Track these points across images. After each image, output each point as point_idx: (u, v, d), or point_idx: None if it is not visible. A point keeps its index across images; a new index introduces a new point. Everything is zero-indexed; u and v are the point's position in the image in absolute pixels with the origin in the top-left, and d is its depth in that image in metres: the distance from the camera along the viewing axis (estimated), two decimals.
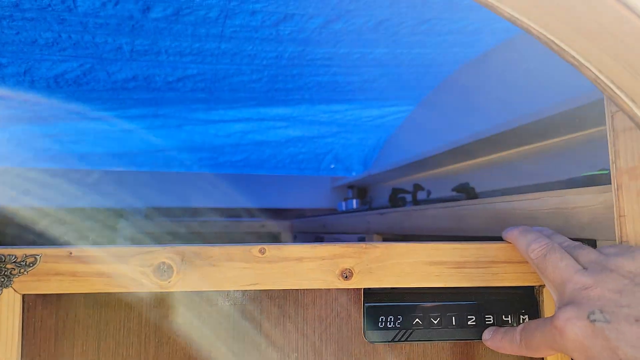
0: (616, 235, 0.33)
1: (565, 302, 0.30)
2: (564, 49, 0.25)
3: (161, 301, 0.35)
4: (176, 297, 0.36)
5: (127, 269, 0.34)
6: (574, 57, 0.25)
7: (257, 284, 0.35)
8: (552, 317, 0.30)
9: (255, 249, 0.35)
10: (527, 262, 0.37)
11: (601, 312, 0.27)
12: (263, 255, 0.35)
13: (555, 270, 0.31)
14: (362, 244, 0.36)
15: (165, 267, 0.34)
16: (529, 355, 0.33)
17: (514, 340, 0.33)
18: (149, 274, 0.34)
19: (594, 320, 0.27)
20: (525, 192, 0.46)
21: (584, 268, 0.31)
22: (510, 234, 0.36)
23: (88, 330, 0.35)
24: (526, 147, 0.90)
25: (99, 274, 0.34)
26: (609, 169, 0.38)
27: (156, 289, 0.34)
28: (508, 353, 0.35)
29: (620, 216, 0.33)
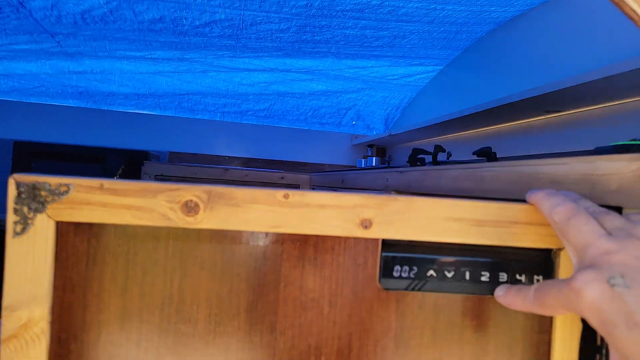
0: None
1: (585, 266, 0.30)
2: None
3: (187, 237, 0.37)
4: (201, 234, 0.37)
5: (156, 204, 0.35)
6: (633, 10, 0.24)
7: (279, 227, 0.36)
8: (570, 278, 0.30)
9: (279, 193, 0.36)
10: (547, 224, 0.37)
11: (622, 277, 0.28)
12: (287, 200, 0.36)
13: (579, 233, 0.31)
14: (384, 196, 0.37)
15: (192, 205, 0.36)
16: (539, 313, 0.33)
17: (527, 298, 0.33)
18: (177, 210, 0.36)
19: (614, 285, 0.28)
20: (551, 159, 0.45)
21: (609, 234, 0.31)
22: (535, 196, 0.36)
23: (117, 259, 0.36)
24: (552, 116, 0.88)
25: (128, 207, 0.35)
26: None
27: (183, 225, 0.36)
28: (519, 310, 0.36)
29: None
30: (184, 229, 0.37)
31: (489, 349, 0.38)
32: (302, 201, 0.36)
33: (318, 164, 2.15)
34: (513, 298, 0.35)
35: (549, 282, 0.32)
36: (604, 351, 0.37)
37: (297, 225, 0.36)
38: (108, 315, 0.36)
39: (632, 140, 0.42)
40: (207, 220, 0.36)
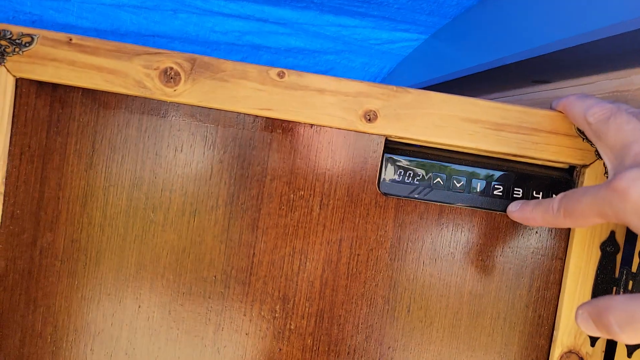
0: None
1: (629, 165, 0.26)
2: None
3: (164, 112, 0.32)
4: (181, 110, 0.32)
5: (131, 68, 0.31)
6: None
7: (270, 109, 0.31)
8: (608, 181, 0.26)
9: (273, 70, 0.31)
10: (573, 136, 0.32)
11: None
12: (281, 80, 0.31)
13: (619, 132, 0.27)
14: (393, 87, 0.32)
15: (172, 73, 0.31)
16: (563, 225, 0.29)
17: (549, 210, 0.29)
18: (154, 77, 0.31)
19: None
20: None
21: None
22: (566, 100, 0.32)
23: (83, 129, 0.32)
24: (542, 90, 0.83)
25: (99, 68, 0.31)
26: None
27: (160, 96, 0.31)
28: (537, 225, 0.31)
29: None
30: (161, 103, 0.32)
31: (494, 272, 0.34)
32: (299, 82, 0.31)
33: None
34: (532, 212, 0.31)
35: (579, 189, 0.28)
36: (622, 283, 0.33)
37: (290, 111, 0.32)
38: (69, 193, 0.32)
39: None
40: (187, 93, 0.31)
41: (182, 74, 0.31)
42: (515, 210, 0.32)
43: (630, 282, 0.33)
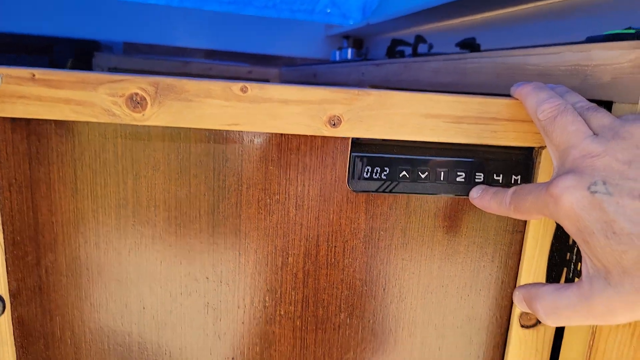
0: None
1: (566, 169, 0.28)
2: None
3: (137, 135, 0.34)
4: (152, 131, 0.34)
5: (97, 97, 0.32)
6: None
7: (237, 124, 0.33)
8: (548, 183, 0.28)
9: (236, 86, 0.32)
10: (530, 121, 0.34)
11: (604, 183, 0.25)
12: (245, 94, 0.32)
13: (563, 133, 0.28)
14: (354, 90, 0.33)
15: (138, 99, 0.32)
16: (516, 217, 0.32)
17: (502, 203, 0.32)
18: (121, 104, 0.32)
19: (595, 192, 0.25)
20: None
21: (595, 134, 0.28)
22: (521, 90, 0.33)
23: (63, 158, 0.33)
24: (541, 3, 0.80)
25: (66, 101, 0.31)
26: (636, 28, 0.33)
27: (130, 121, 0.32)
28: (494, 213, 0.34)
29: None
30: (133, 126, 0.33)
31: (460, 249, 0.37)
32: (262, 95, 0.32)
33: (289, 57, 1.97)
34: (489, 202, 0.33)
35: (527, 186, 0.30)
36: (575, 257, 0.37)
37: (257, 123, 0.33)
38: (61, 217, 0.34)
39: (627, 29, 0.37)
40: (156, 116, 0.32)
41: (148, 98, 0.32)
42: (476, 197, 0.34)
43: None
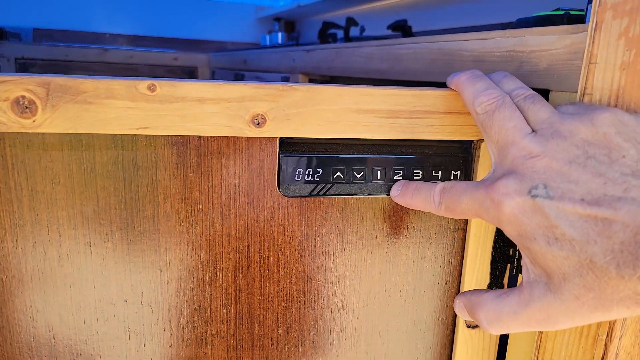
0: (580, 86, 0.28)
1: (506, 170, 0.26)
2: None
3: (30, 144, 0.29)
4: (47, 139, 0.29)
5: None
6: None
7: (147, 127, 0.29)
8: (487, 185, 0.26)
9: (142, 84, 0.28)
10: (467, 113, 0.32)
11: (545, 187, 0.24)
12: (153, 94, 0.28)
13: (501, 130, 0.27)
14: (279, 85, 0.30)
15: (26, 102, 0.27)
16: (446, 217, 0.30)
17: (430, 201, 0.30)
18: (6, 110, 0.27)
19: (535, 196, 0.24)
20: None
21: (533, 130, 0.26)
22: (457, 80, 0.31)
23: None
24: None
25: None
26: (566, 9, 0.32)
27: (19, 129, 0.28)
28: (421, 210, 0.32)
29: (590, 63, 0.27)
30: (24, 134, 0.29)
31: (402, 250, 0.35)
32: (174, 94, 0.29)
33: (218, 41, 1.88)
34: (412, 199, 0.31)
35: (459, 184, 0.28)
36: (521, 260, 0.35)
37: (170, 126, 0.29)
38: None
39: (555, 10, 0.36)
40: (49, 122, 0.28)
41: (38, 102, 0.27)
42: (397, 195, 0.32)
43: None
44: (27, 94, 0.27)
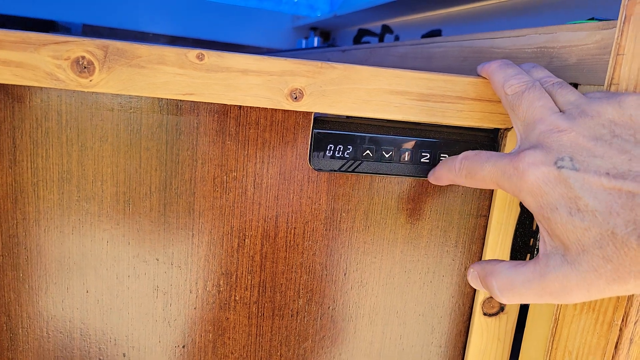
0: (607, 76, 0.29)
1: (532, 143, 0.27)
2: None
3: (84, 102, 0.31)
4: (101, 99, 0.31)
5: (39, 60, 0.29)
6: None
7: (192, 94, 0.31)
8: (513, 155, 0.27)
9: (191, 53, 0.30)
10: (496, 101, 0.33)
11: (571, 159, 0.25)
12: (201, 62, 0.30)
13: (530, 108, 0.28)
14: (318, 62, 0.31)
15: (85, 63, 0.29)
16: (464, 184, 0.31)
17: (452, 169, 0.31)
18: (66, 68, 0.29)
19: (561, 167, 0.25)
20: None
21: (561, 111, 0.27)
22: (488, 67, 0.32)
23: (0, 125, 0.31)
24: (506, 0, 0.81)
25: (5, 62, 0.29)
26: (600, 19, 0.33)
27: (76, 88, 0.30)
28: (444, 184, 0.33)
29: (617, 55, 0.28)
30: (79, 93, 0.31)
31: (423, 232, 0.36)
32: (220, 64, 0.31)
33: (254, 46, 1.94)
34: (439, 170, 0.32)
35: (482, 153, 0.29)
36: (539, 236, 0.36)
37: (214, 94, 0.31)
38: None
39: (589, 20, 0.37)
40: (104, 82, 0.30)
41: (96, 63, 0.30)
42: (430, 175, 0.34)
43: None
44: (86, 55, 0.29)
